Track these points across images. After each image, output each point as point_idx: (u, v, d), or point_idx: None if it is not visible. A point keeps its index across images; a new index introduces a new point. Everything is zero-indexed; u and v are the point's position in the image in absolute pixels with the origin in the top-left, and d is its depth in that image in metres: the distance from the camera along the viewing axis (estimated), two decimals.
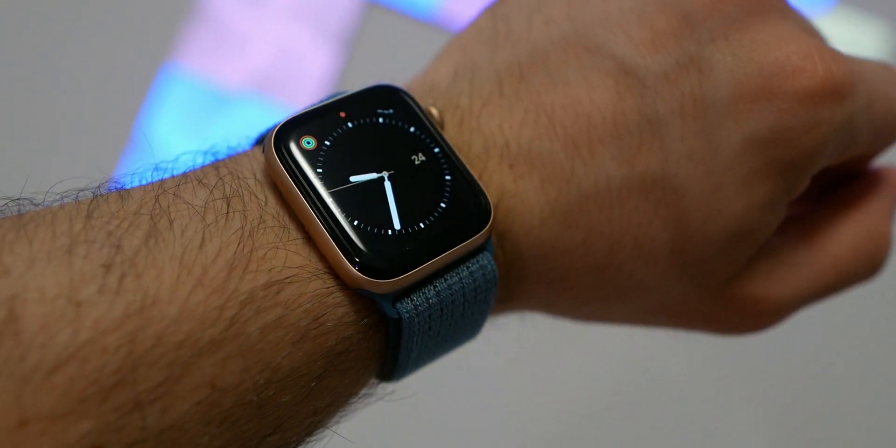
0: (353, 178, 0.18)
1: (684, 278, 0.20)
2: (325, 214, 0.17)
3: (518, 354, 0.52)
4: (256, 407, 0.15)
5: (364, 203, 0.17)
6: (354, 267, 0.17)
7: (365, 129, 0.18)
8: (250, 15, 0.55)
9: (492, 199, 0.19)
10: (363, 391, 0.19)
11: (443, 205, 0.18)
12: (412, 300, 0.17)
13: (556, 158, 0.19)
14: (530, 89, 0.19)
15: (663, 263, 0.20)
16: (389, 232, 0.17)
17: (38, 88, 0.53)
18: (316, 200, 0.17)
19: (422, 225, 0.18)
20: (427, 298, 0.18)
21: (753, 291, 0.21)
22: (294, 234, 0.17)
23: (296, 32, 0.55)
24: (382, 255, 0.17)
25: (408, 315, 0.17)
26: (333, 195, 0.17)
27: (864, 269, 0.22)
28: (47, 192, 0.16)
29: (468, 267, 0.18)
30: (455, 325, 0.19)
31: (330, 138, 0.18)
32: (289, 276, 0.16)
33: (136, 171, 0.18)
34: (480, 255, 0.18)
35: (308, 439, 0.18)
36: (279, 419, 0.16)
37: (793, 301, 0.22)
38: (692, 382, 0.52)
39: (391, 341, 0.18)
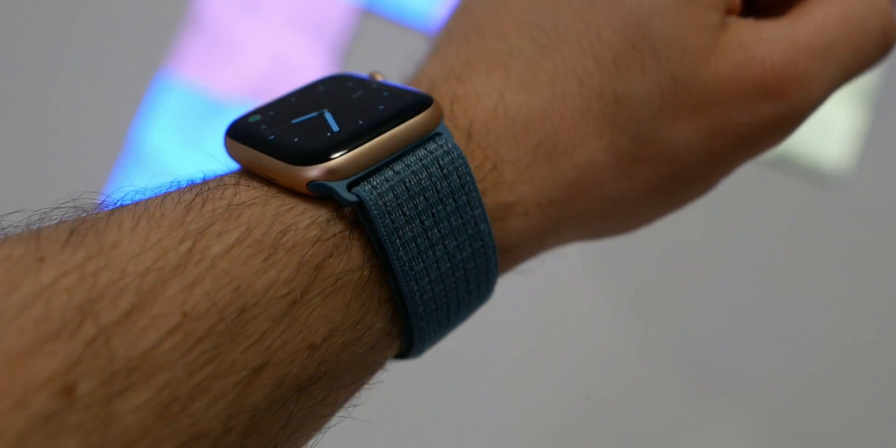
0: (294, 121, 0.19)
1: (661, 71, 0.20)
2: (268, 146, 0.18)
3: (514, 351, 0.52)
4: (233, 334, 0.15)
5: (305, 130, 0.18)
6: (296, 164, 0.17)
7: (308, 96, 0.20)
8: (245, 23, 0.55)
9: (443, 103, 0.20)
10: (373, 339, 0.18)
11: (381, 106, 0.19)
12: (369, 182, 0.17)
13: (490, 47, 0.20)
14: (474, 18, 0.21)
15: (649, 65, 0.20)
16: (329, 133, 0.18)
17: (33, 96, 0.53)
18: (259, 142, 0.18)
19: (361, 121, 0.18)
20: (386, 179, 0.18)
21: (749, 46, 0.20)
22: (252, 183, 0.18)
23: (291, 40, 0.55)
24: (321, 146, 0.18)
25: (368, 196, 0.17)
26: (275, 133, 0.18)
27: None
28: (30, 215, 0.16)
29: (426, 147, 0.18)
30: (442, 214, 0.18)
31: (273, 111, 0.19)
32: (246, 200, 0.17)
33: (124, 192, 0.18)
34: (438, 137, 0.19)
35: (315, 388, 0.17)
36: (265, 350, 0.15)
37: (807, 46, 0.20)
38: (688, 379, 0.52)
39: (377, 250, 0.18)
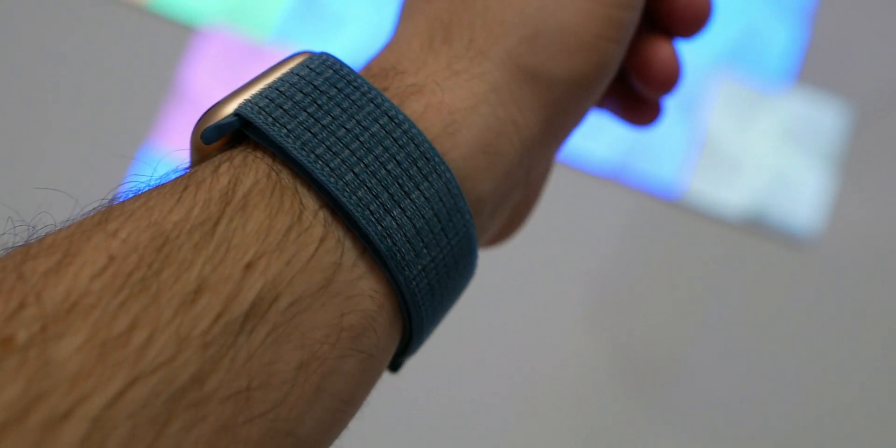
0: None
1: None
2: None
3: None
4: (159, 267, 0.15)
5: None
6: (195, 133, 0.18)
7: None
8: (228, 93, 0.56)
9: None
10: (317, 251, 0.16)
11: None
12: (248, 100, 0.18)
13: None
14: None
15: None
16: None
17: (17, 170, 0.54)
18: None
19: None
20: (264, 95, 0.18)
21: None
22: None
23: None
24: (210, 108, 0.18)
25: (242, 107, 0.17)
26: None
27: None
28: None
29: (302, 64, 0.18)
30: (324, 100, 0.18)
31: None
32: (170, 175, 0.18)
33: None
34: (313, 57, 0.19)
35: (272, 315, 0.16)
36: (197, 276, 0.15)
37: None
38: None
39: (280, 156, 0.17)
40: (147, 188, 0.17)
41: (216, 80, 0.56)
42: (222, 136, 0.18)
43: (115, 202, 0.17)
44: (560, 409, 0.52)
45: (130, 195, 0.17)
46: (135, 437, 0.13)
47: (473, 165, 0.19)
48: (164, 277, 0.15)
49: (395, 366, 0.21)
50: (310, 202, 0.17)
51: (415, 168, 0.18)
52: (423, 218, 0.18)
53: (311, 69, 0.19)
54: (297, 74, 0.18)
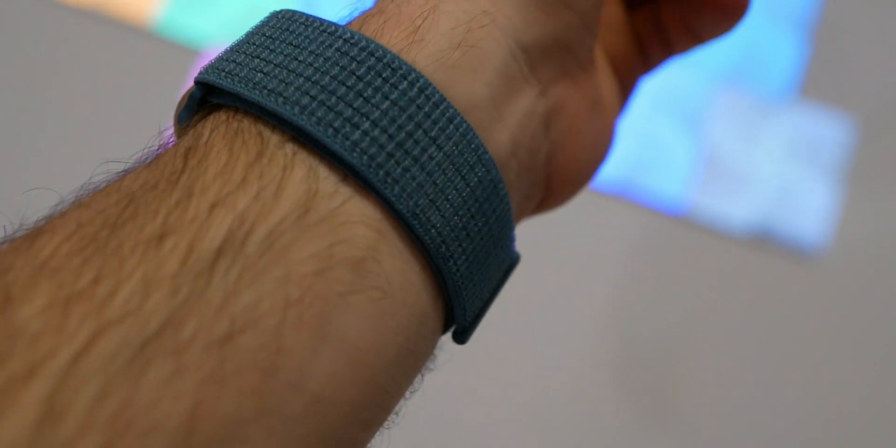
0: None
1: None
2: None
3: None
4: (123, 221, 0.14)
5: None
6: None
7: None
8: None
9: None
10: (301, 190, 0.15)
11: None
12: (205, 66, 0.17)
13: None
14: None
15: None
16: None
17: (21, 186, 0.54)
18: None
19: None
20: (218, 58, 0.17)
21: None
22: None
23: None
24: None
25: (203, 73, 0.17)
26: None
27: None
28: None
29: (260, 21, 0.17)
30: (274, 34, 0.17)
31: None
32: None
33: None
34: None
35: (249, 247, 0.14)
36: (162, 223, 0.14)
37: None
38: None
39: (242, 104, 0.16)
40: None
41: None
42: (194, 112, 0.17)
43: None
44: (567, 423, 0.52)
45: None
46: (108, 390, 0.12)
47: (449, 64, 0.17)
48: (127, 229, 0.14)
49: (459, 332, 0.18)
50: (272, 137, 0.16)
51: (379, 79, 0.16)
52: (399, 126, 0.16)
53: (264, 23, 0.18)
54: (250, 31, 0.18)
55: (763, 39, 0.59)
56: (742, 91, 0.58)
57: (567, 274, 0.55)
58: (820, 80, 0.59)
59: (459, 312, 0.18)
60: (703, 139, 0.57)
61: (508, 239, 0.19)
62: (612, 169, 0.56)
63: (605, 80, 0.22)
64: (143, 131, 0.56)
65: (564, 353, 0.53)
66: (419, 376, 0.17)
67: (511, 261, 0.20)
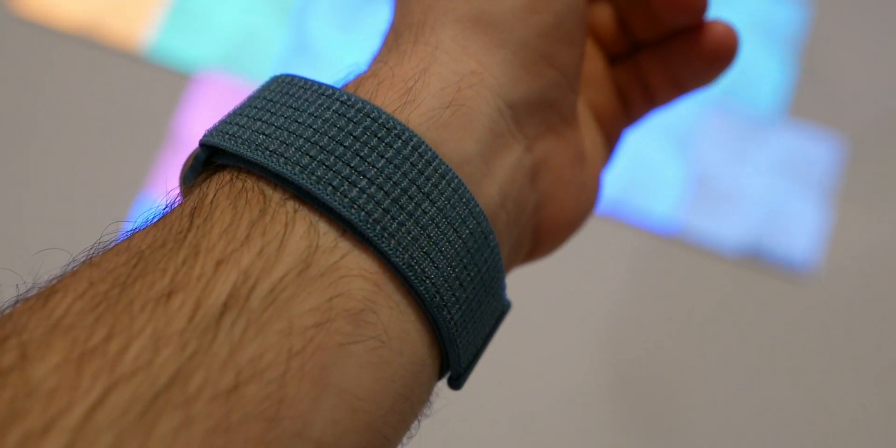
0: None
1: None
2: None
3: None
4: (133, 279, 0.15)
5: None
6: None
7: None
8: None
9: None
10: (304, 245, 0.16)
11: None
12: (209, 129, 0.18)
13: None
14: None
15: None
16: None
17: (13, 220, 0.54)
18: None
19: None
20: (221, 121, 0.18)
21: None
22: None
23: None
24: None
25: (207, 136, 0.17)
26: None
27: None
28: None
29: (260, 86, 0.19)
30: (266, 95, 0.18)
31: None
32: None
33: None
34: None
35: (252, 304, 0.15)
36: (170, 282, 0.15)
37: None
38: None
39: (240, 163, 0.17)
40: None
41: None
42: (199, 173, 0.18)
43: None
44: (561, 442, 0.52)
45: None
46: (121, 443, 0.13)
47: (441, 122, 0.18)
48: (137, 287, 0.15)
49: (454, 379, 0.19)
50: (275, 195, 0.17)
51: (375, 139, 0.17)
52: (394, 183, 0.17)
53: (264, 87, 0.19)
54: (252, 96, 0.19)
55: (751, 59, 0.59)
56: (731, 111, 0.58)
57: (558, 294, 0.55)
58: (808, 99, 0.59)
59: (454, 359, 0.18)
60: (693, 159, 0.57)
61: (500, 287, 0.19)
62: (604, 189, 0.56)
63: (589, 134, 0.23)
64: (135, 159, 0.56)
65: (555, 371, 0.53)
66: (416, 422, 0.18)
67: (503, 308, 0.20)
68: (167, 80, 0.57)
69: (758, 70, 0.59)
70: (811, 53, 0.60)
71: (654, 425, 0.52)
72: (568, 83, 0.20)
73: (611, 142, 0.24)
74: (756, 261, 0.56)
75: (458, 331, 0.18)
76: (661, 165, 0.57)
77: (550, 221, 0.21)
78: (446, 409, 0.52)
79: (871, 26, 0.60)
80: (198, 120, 0.56)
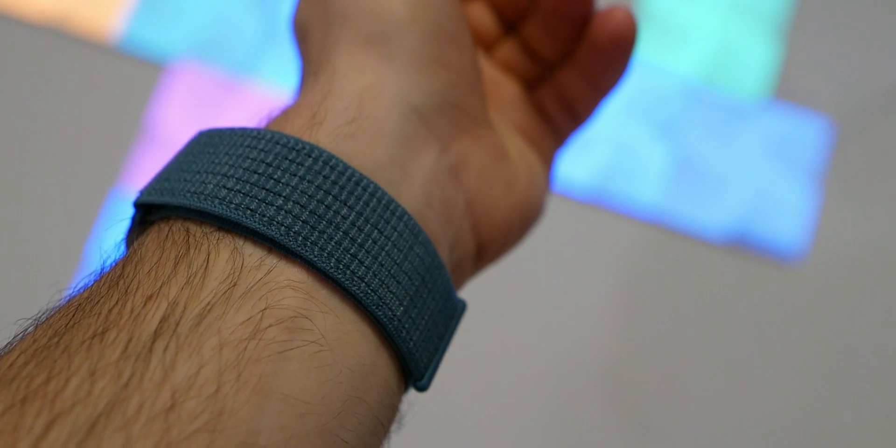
0: None
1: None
2: None
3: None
4: (70, 327, 0.16)
5: None
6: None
7: None
8: None
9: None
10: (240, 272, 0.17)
11: None
12: (138, 191, 0.20)
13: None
14: None
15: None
16: None
17: None
18: None
19: None
20: (153, 182, 0.20)
21: None
22: None
23: None
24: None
25: (135, 196, 0.19)
26: None
27: None
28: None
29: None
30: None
31: None
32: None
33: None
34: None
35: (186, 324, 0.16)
36: (104, 323, 0.16)
37: None
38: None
39: (190, 214, 0.18)
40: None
41: (187, 118, 0.55)
42: (135, 233, 0.19)
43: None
44: (547, 431, 0.51)
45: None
46: None
47: (348, 136, 0.19)
48: (74, 332, 0.15)
49: (417, 380, 0.19)
50: (198, 231, 0.17)
51: (286, 161, 0.18)
52: (309, 196, 0.18)
53: (187, 145, 0.20)
54: (176, 154, 0.20)
55: (736, 43, 0.58)
56: (716, 95, 0.57)
57: (543, 282, 0.54)
58: (794, 83, 0.58)
59: (409, 358, 0.19)
60: (678, 144, 0.56)
61: (445, 284, 0.20)
62: (587, 176, 0.55)
63: (514, 143, 0.24)
64: (108, 152, 0.55)
65: (539, 360, 0.53)
66: (383, 428, 0.18)
67: (456, 307, 0.21)
68: (139, 71, 0.56)
69: (743, 52, 0.58)
70: (798, 34, 0.59)
71: (640, 412, 0.52)
72: (467, 84, 0.22)
73: (546, 161, 0.25)
74: (742, 246, 0.55)
75: (403, 327, 0.18)
76: (645, 151, 0.56)
77: (486, 218, 0.22)
78: (429, 406, 0.52)
79: (858, 6, 0.59)
80: (171, 110, 0.55)
